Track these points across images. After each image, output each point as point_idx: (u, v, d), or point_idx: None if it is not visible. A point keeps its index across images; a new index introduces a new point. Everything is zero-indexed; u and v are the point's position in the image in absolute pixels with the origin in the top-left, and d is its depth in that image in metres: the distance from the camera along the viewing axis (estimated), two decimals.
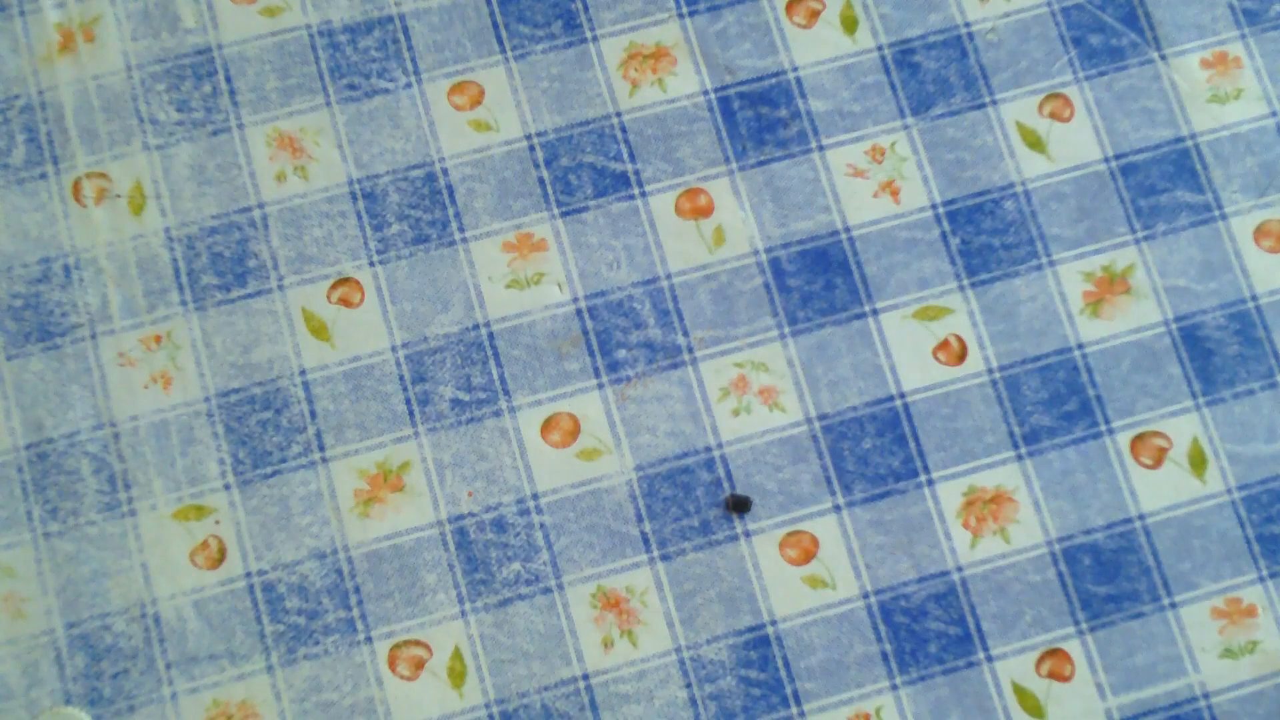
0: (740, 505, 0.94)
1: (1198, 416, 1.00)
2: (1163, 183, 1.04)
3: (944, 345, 1.01)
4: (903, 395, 1.00)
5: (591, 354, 1.01)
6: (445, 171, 1.04)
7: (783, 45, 1.06)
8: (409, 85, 1.05)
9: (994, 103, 1.05)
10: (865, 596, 0.97)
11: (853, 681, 0.96)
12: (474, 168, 1.04)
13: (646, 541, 0.98)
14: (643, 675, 0.96)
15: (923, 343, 1.01)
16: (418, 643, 0.96)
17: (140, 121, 1.04)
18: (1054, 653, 0.96)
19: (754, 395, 1.00)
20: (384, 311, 1.02)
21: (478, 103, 1.05)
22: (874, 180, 1.04)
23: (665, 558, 0.98)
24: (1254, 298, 1.02)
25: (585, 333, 1.01)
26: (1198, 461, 0.99)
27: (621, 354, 1.01)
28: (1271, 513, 0.98)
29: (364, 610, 0.97)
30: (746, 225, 1.03)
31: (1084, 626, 0.97)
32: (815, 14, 1.07)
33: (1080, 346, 1.01)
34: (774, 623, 0.97)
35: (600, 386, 1.01)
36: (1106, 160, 1.04)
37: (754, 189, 1.04)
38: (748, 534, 0.98)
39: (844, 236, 1.02)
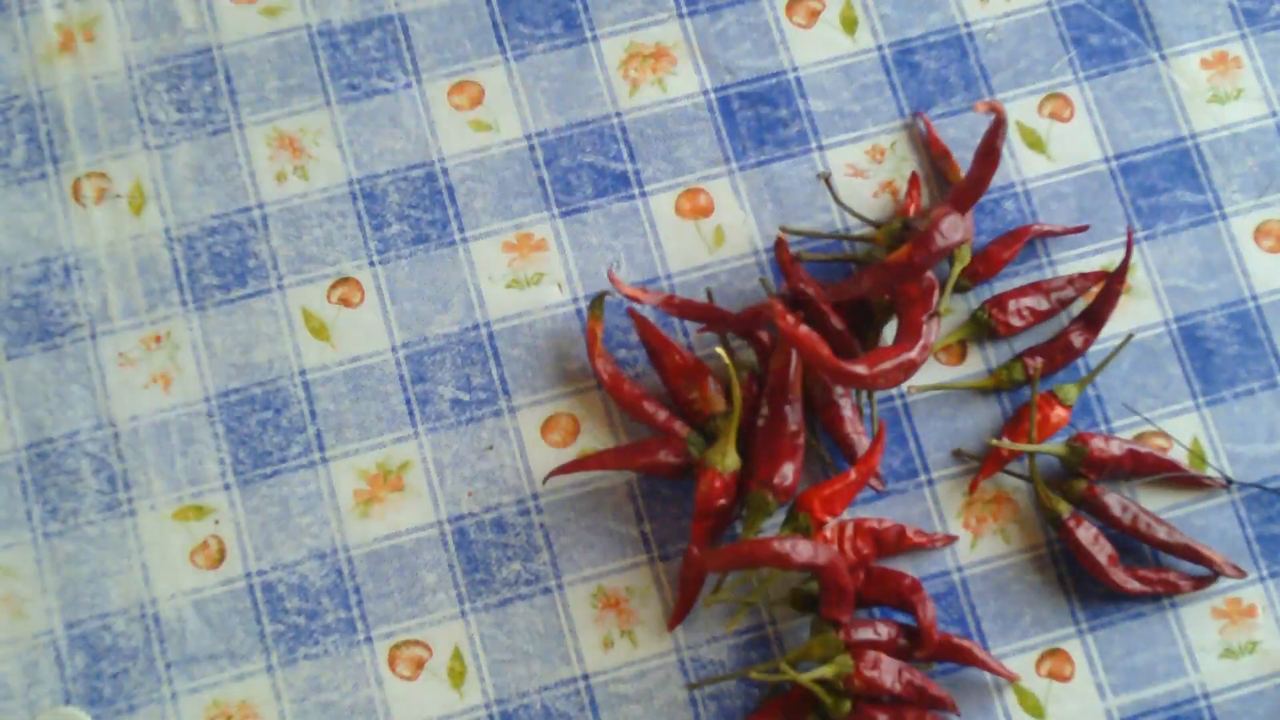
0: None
1: (1198, 416, 1.00)
2: (1163, 183, 1.04)
3: (945, 347, 1.01)
4: (903, 395, 1.00)
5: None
6: (445, 171, 1.04)
7: (783, 45, 1.06)
8: (409, 85, 1.05)
9: None
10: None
11: None
12: (474, 168, 1.04)
13: (646, 541, 0.98)
14: (643, 675, 0.96)
15: None
16: (418, 643, 0.96)
17: (140, 121, 1.04)
18: (1054, 653, 0.96)
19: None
20: (384, 311, 1.02)
21: (478, 103, 1.05)
22: (874, 180, 1.04)
23: (665, 558, 0.98)
24: (1254, 298, 1.02)
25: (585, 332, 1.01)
26: (1197, 462, 0.99)
27: (622, 354, 1.01)
28: (1271, 513, 0.98)
29: (364, 610, 0.97)
30: (746, 225, 1.03)
31: (1084, 626, 0.97)
32: (815, 14, 1.07)
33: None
34: (774, 623, 0.97)
35: (600, 386, 1.00)
36: (1106, 160, 1.04)
37: (754, 189, 1.04)
38: None
39: (844, 235, 1.02)
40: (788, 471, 0.94)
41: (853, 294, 0.95)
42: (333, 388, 1.00)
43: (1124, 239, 1.03)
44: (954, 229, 0.92)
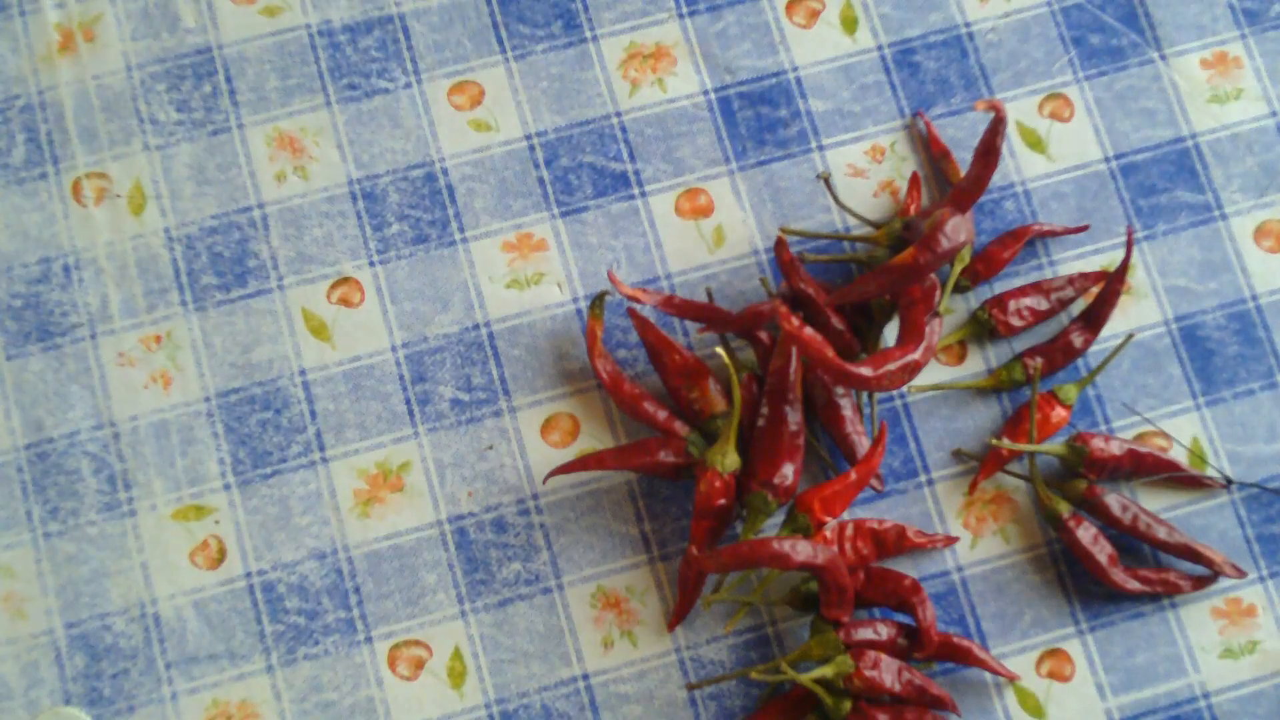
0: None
1: (1198, 416, 1.00)
2: (1163, 183, 1.04)
3: (945, 347, 1.01)
4: (903, 395, 1.01)
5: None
6: (445, 171, 1.04)
7: (783, 45, 1.06)
8: (409, 85, 1.05)
9: None
10: None
11: None
12: (474, 168, 1.04)
13: (646, 541, 0.98)
14: (643, 675, 0.96)
15: None
16: (418, 643, 0.97)
17: (140, 121, 1.04)
18: (1054, 653, 0.96)
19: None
20: (384, 311, 1.02)
21: (478, 103, 1.05)
22: (874, 180, 1.04)
23: (665, 558, 0.98)
24: (1254, 298, 1.02)
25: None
26: (1197, 462, 0.99)
27: (622, 354, 1.01)
28: (1271, 513, 0.98)
29: (364, 610, 0.97)
30: (746, 225, 1.03)
31: (1084, 626, 0.97)
32: (815, 14, 1.07)
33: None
34: (774, 623, 0.97)
35: (600, 387, 1.01)
36: (1106, 160, 1.04)
37: (754, 189, 1.04)
38: None
39: (844, 236, 1.02)
40: (788, 471, 0.94)
41: (856, 297, 0.95)
42: (333, 388, 1.00)
43: (1124, 239, 1.03)
44: (958, 231, 0.92)
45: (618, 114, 1.05)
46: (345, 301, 1.02)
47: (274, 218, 1.03)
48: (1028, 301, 1.00)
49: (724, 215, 1.03)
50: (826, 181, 1.00)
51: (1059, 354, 0.99)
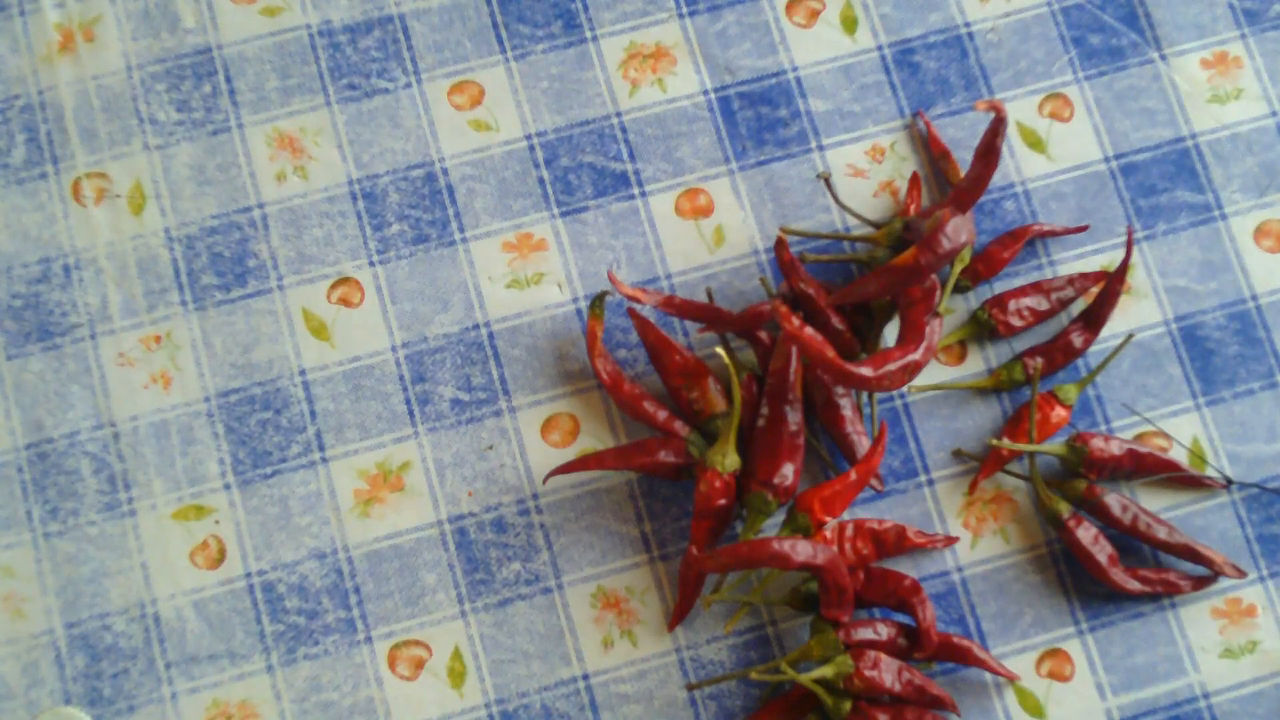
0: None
1: (1198, 416, 1.00)
2: (1163, 183, 1.04)
3: (945, 347, 1.01)
4: (903, 395, 1.01)
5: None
6: (445, 171, 1.04)
7: (783, 45, 1.06)
8: (409, 85, 1.05)
9: None
10: None
11: None
12: (474, 168, 1.04)
13: (646, 541, 0.98)
14: (643, 675, 0.96)
15: None
16: (418, 643, 0.97)
17: (140, 121, 1.04)
18: (1054, 653, 0.96)
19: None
20: (384, 311, 1.02)
21: (478, 103, 1.05)
22: (874, 180, 1.04)
23: (665, 558, 0.98)
24: (1254, 298, 1.02)
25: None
26: (1197, 462, 0.99)
27: (622, 354, 1.01)
28: (1271, 513, 0.98)
29: (364, 610, 0.97)
30: (746, 225, 1.03)
31: (1084, 626, 0.97)
32: (815, 14, 1.07)
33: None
34: (774, 623, 0.97)
35: (600, 386, 1.01)
36: (1106, 160, 1.04)
37: (754, 189, 1.04)
38: None
39: (845, 236, 1.02)
40: (788, 471, 0.94)
41: (856, 297, 0.95)
42: (333, 388, 1.00)
43: (1124, 239, 1.03)
44: (959, 231, 0.92)
45: (618, 114, 1.05)
46: (345, 301, 1.02)
47: (274, 218, 1.03)
48: (1028, 301, 1.00)
49: (724, 215, 1.03)
50: (827, 181, 1.00)
51: (1059, 354, 0.99)
